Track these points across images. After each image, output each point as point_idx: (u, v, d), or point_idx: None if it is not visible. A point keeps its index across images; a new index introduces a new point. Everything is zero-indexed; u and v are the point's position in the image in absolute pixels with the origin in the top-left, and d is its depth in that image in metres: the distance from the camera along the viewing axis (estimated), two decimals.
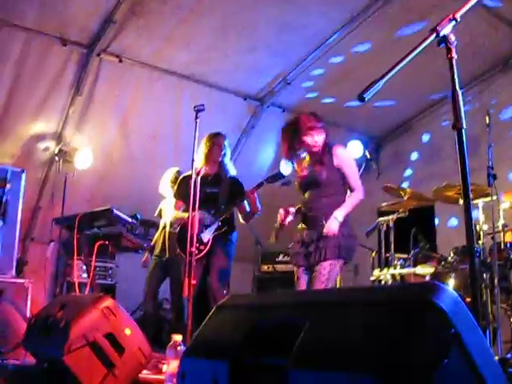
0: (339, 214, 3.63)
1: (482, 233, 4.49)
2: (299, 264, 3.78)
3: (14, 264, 5.22)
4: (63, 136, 6.37)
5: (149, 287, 5.55)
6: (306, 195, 3.85)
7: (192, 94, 6.46)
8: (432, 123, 7.32)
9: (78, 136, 6.46)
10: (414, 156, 7.65)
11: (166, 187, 5.67)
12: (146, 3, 5.27)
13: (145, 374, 3.28)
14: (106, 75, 6.06)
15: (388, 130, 7.93)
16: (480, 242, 4.43)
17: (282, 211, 3.86)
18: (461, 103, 1.85)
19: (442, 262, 4.73)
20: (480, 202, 4.62)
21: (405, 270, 4.89)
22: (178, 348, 2.92)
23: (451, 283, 4.58)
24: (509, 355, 4.11)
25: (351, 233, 3.73)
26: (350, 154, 3.93)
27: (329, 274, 3.56)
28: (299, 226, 3.87)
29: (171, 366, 2.90)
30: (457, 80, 1.88)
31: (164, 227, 5.61)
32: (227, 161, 4.77)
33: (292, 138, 3.89)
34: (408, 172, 7.60)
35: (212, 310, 1.94)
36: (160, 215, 5.77)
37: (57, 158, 6.37)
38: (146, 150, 6.85)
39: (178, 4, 5.32)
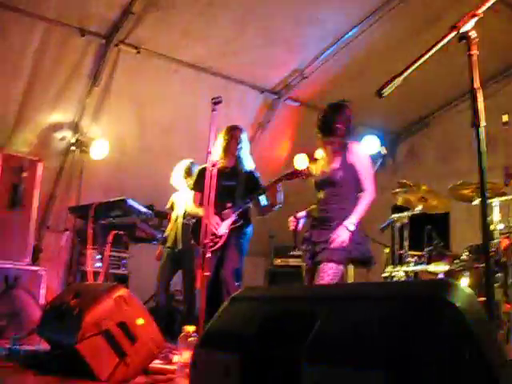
0: (350, 223, 3.56)
1: (497, 232, 4.45)
2: (307, 262, 3.80)
3: (30, 251, 5.28)
4: (80, 126, 6.42)
5: (161, 279, 5.58)
6: (321, 194, 3.83)
7: (209, 87, 6.46)
8: (449, 120, 7.27)
9: (95, 126, 6.51)
10: (430, 153, 7.60)
11: (179, 179, 5.67)
12: None
13: (156, 363, 3.30)
14: (123, 66, 6.09)
15: (404, 126, 7.88)
16: (495, 241, 4.40)
17: (292, 219, 3.90)
18: (480, 101, 1.84)
19: (456, 261, 4.70)
20: (496, 200, 4.57)
21: (418, 268, 4.87)
22: (190, 339, 2.95)
23: (465, 282, 4.55)
24: None
25: (360, 240, 3.65)
26: (365, 152, 3.89)
27: (334, 274, 3.53)
28: (311, 223, 3.87)
29: (183, 356, 2.93)
30: (476, 77, 1.86)
31: (176, 219, 5.63)
32: (244, 154, 4.75)
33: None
34: (423, 168, 7.54)
35: (225, 302, 1.95)
36: (172, 208, 5.78)
37: (73, 148, 6.42)
38: (162, 142, 6.87)
39: None
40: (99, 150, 6.38)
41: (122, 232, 4.73)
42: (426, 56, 1.85)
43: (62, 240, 6.54)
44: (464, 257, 4.69)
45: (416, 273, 4.96)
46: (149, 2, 5.33)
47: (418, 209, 4.97)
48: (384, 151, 6.18)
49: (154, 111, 6.67)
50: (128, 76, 6.24)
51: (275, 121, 7.22)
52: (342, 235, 3.53)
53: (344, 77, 6.64)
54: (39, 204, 5.67)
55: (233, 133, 4.69)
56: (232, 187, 4.61)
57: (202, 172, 4.66)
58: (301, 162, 7.16)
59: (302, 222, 3.88)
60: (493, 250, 4.26)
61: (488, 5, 1.97)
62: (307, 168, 4.19)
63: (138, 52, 5.97)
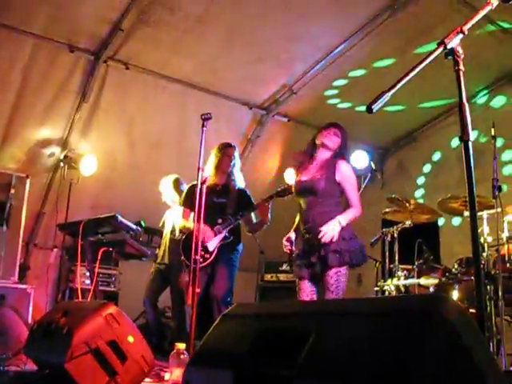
0: (343, 219, 3.62)
1: (486, 245, 4.48)
2: (302, 276, 3.77)
3: (17, 269, 5.23)
4: (69, 142, 6.39)
5: (148, 294, 5.55)
6: (303, 204, 3.84)
7: (198, 103, 6.48)
8: (437, 134, 7.33)
9: (84, 142, 6.49)
10: (419, 167, 7.65)
11: (170, 195, 5.66)
12: (154, 12, 5.29)
13: (147, 382, 3.26)
14: (112, 82, 6.09)
15: (393, 141, 7.93)
16: (484, 254, 4.42)
17: (285, 242, 3.89)
18: (468, 115, 1.86)
19: (446, 274, 4.72)
20: (484, 213, 4.60)
21: (409, 281, 4.88)
22: (181, 356, 2.92)
23: (455, 295, 4.56)
24: None
25: (352, 235, 3.69)
26: (352, 171, 3.91)
27: (337, 282, 3.54)
28: (301, 235, 3.86)
29: (174, 374, 2.90)
30: (464, 92, 1.88)
31: (165, 235, 5.63)
32: (237, 172, 4.78)
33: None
34: (412, 183, 7.59)
35: (217, 319, 1.93)
36: (164, 225, 5.77)
37: (62, 164, 6.38)
38: (151, 158, 6.86)
39: (185, 13, 5.35)
40: (88, 166, 6.35)
41: (111, 249, 4.70)
42: (415, 71, 1.87)
43: (51, 257, 6.47)
44: (454, 270, 4.71)
45: (407, 286, 4.96)
46: (138, 18, 5.35)
47: (408, 222, 4.99)
48: (373, 166, 6.20)
49: (143, 127, 6.67)
50: (117, 92, 6.24)
51: (264, 136, 7.24)
52: (332, 228, 3.55)
53: (333, 92, 6.69)
54: (27, 221, 5.64)
55: (225, 150, 4.71)
56: (223, 204, 4.61)
57: (192, 188, 4.66)
58: (291, 177, 7.18)
59: (294, 241, 3.89)
60: (482, 262, 4.28)
61: (474, 21, 2.00)
62: None
63: (127, 68, 5.98)
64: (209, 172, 4.58)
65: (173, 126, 6.76)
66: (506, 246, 4.54)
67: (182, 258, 4.62)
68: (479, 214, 4.54)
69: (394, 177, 7.90)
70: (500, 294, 4.06)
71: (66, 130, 6.31)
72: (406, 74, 1.88)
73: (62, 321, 3.01)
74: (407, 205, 5.07)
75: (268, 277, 7.00)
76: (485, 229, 4.55)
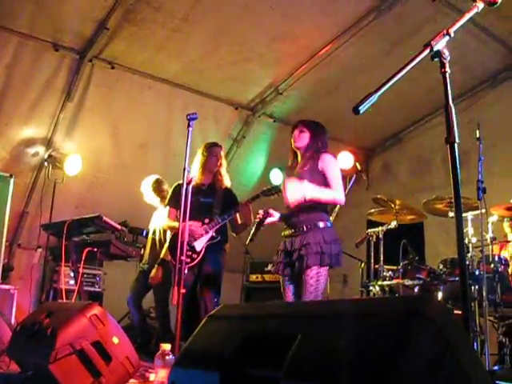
0: (312, 188, 3.61)
1: (470, 245, 4.52)
2: (281, 273, 3.78)
3: (0, 270, 5.17)
4: (53, 141, 6.33)
5: (132, 296, 5.53)
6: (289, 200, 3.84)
7: (183, 103, 6.47)
8: (421, 136, 7.38)
9: (68, 142, 6.43)
10: (404, 168, 7.70)
11: (149, 196, 5.65)
12: (140, 11, 5.27)
13: (132, 383, 3.24)
14: (97, 82, 6.05)
15: (378, 142, 7.98)
16: (469, 254, 4.46)
17: (261, 211, 3.86)
18: (454, 117, 1.87)
19: (431, 274, 4.75)
20: (469, 214, 4.64)
21: (394, 282, 4.90)
22: (167, 357, 2.90)
23: (440, 295, 4.60)
24: (496, 367, 4.12)
25: (334, 238, 3.66)
26: (336, 161, 3.89)
27: (316, 283, 3.53)
28: (282, 233, 3.86)
29: (159, 375, 2.88)
30: (450, 94, 1.89)
31: (150, 236, 5.62)
32: (223, 172, 4.76)
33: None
34: (397, 184, 7.63)
35: (203, 321, 1.93)
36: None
37: (46, 164, 6.32)
38: (136, 158, 6.83)
39: (171, 13, 5.33)
40: (72, 165, 6.29)
41: (96, 249, 4.67)
42: (402, 73, 1.88)
43: (35, 257, 6.40)
44: (439, 270, 4.75)
45: (392, 287, 4.99)
46: (124, 17, 5.32)
47: (393, 223, 5.02)
48: (358, 167, 6.23)
49: (129, 127, 6.63)
50: (102, 91, 6.19)
51: (250, 137, 7.24)
52: (297, 186, 3.62)
53: (318, 93, 6.71)
54: (10, 221, 5.58)
55: (212, 150, 4.70)
56: (209, 204, 4.59)
57: (178, 188, 4.64)
58: (276, 177, 7.19)
59: (271, 219, 3.85)
60: (467, 263, 4.32)
61: (459, 24, 2.01)
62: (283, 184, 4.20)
63: (113, 67, 5.95)
64: (195, 171, 4.57)
65: (159, 126, 6.74)
66: (490, 247, 4.59)
67: (169, 258, 4.60)
68: (464, 215, 4.58)
69: (379, 178, 7.94)
70: (484, 294, 4.09)
71: (50, 130, 6.25)
72: (393, 76, 1.88)
73: (46, 322, 2.99)
74: (392, 206, 5.10)
75: (253, 277, 7.00)
76: (469, 230, 4.60)
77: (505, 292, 4.42)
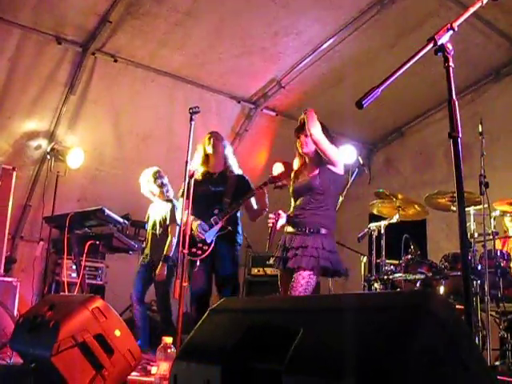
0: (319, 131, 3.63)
1: (473, 240, 4.51)
2: (279, 267, 3.78)
3: (3, 262, 5.18)
4: (56, 134, 6.33)
5: (134, 290, 5.52)
6: (298, 201, 3.83)
7: (186, 96, 6.46)
8: (424, 130, 7.37)
9: (71, 135, 6.43)
10: (406, 162, 7.68)
11: (147, 187, 5.62)
12: (142, 4, 5.26)
13: (134, 375, 3.26)
14: (100, 75, 6.05)
15: (380, 136, 7.96)
16: (471, 249, 4.45)
17: (272, 215, 3.83)
18: (457, 112, 1.86)
19: (433, 269, 4.75)
20: (471, 209, 4.64)
21: (396, 276, 4.90)
22: (169, 350, 2.91)
23: (442, 290, 4.60)
24: (497, 363, 4.13)
25: (332, 249, 3.64)
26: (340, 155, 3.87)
27: (306, 284, 3.52)
28: (285, 229, 3.86)
29: (161, 368, 2.89)
30: (453, 88, 1.89)
31: (149, 230, 5.61)
32: (232, 158, 4.70)
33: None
34: (400, 178, 7.63)
35: (205, 314, 1.93)
36: (148, 220, 5.73)
37: (48, 157, 6.33)
38: (139, 151, 6.83)
39: (174, 6, 5.32)
40: (75, 158, 6.30)
41: (98, 242, 4.68)
42: (405, 67, 1.87)
43: (37, 250, 6.42)
44: (441, 265, 4.74)
45: (394, 282, 4.99)
46: (126, 10, 5.31)
47: (395, 217, 5.01)
48: (360, 161, 6.22)
49: (131, 120, 6.63)
50: (105, 85, 6.19)
51: (252, 130, 7.24)
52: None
53: (321, 87, 6.69)
54: (13, 213, 5.58)
55: (217, 136, 4.64)
56: (220, 193, 4.51)
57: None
58: (279, 170, 7.18)
59: (281, 221, 3.83)
60: (469, 258, 4.32)
61: (463, 18, 2.00)
62: (289, 173, 4.16)
63: (115, 61, 5.94)
64: (199, 162, 4.52)
65: (161, 120, 6.74)
66: (492, 242, 4.58)
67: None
68: (466, 209, 4.58)
69: (381, 172, 7.93)
70: (486, 289, 4.09)
71: (53, 123, 6.26)
72: (396, 70, 1.88)
73: (49, 314, 3.00)
74: (394, 200, 5.09)
75: (255, 271, 7.01)
76: (472, 224, 4.59)
77: (507, 287, 4.41)
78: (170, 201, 5.54)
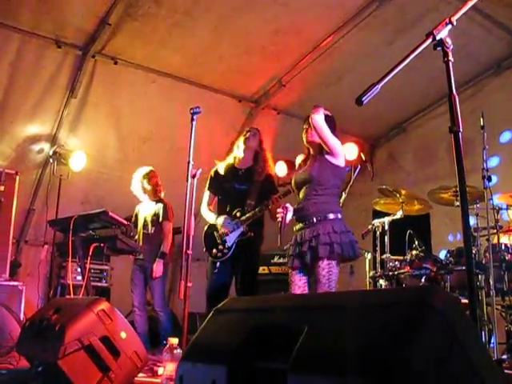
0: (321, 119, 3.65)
1: (477, 234, 4.51)
2: (293, 266, 3.75)
3: (8, 266, 5.19)
4: (58, 138, 6.35)
5: (135, 295, 5.52)
6: (301, 194, 3.83)
7: (187, 96, 6.46)
8: (426, 125, 7.35)
9: (73, 138, 6.45)
10: (409, 158, 7.67)
11: (138, 185, 5.65)
12: (141, 6, 5.26)
13: (140, 377, 3.26)
14: (100, 77, 6.05)
15: (382, 132, 7.95)
16: (475, 243, 4.45)
17: (280, 210, 3.79)
18: (457, 106, 1.86)
19: (438, 264, 4.74)
20: (474, 203, 4.63)
21: (400, 272, 4.90)
22: (175, 351, 2.92)
23: (447, 285, 4.59)
24: (504, 356, 4.12)
25: (345, 229, 3.62)
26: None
27: (328, 274, 3.51)
28: (294, 227, 3.86)
29: (167, 368, 2.90)
30: (453, 83, 1.88)
31: (140, 230, 5.61)
32: (266, 156, 4.53)
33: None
34: (402, 174, 7.61)
35: (210, 314, 1.93)
36: (136, 219, 5.72)
37: (51, 160, 6.34)
38: (141, 152, 6.83)
39: (173, 7, 5.32)
40: (77, 161, 6.31)
41: (102, 244, 4.67)
42: (404, 63, 1.87)
43: (42, 254, 6.44)
44: (445, 260, 4.74)
45: (398, 277, 4.98)
46: (125, 12, 5.31)
47: (399, 213, 5.01)
48: (363, 157, 6.22)
49: (132, 122, 6.64)
50: (105, 87, 6.20)
51: None
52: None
53: (321, 84, 6.68)
54: (17, 218, 5.60)
55: (255, 132, 4.53)
56: (244, 192, 4.38)
57: (216, 173, 4.55)
58: (281, 169, 7.18)
59: (289, 215, 3.80)
60: (473, 252, 4.32)
61: (462, 12, 2.00)
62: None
63: (115, 63, 5.95)
64: (236, 156, 4.42)
65: (162, 120, 6.74)
66: (496, 236, 4.58)
67: (204, 249, 4.48)
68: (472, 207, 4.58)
69: (384, 168, 7.92)
70: (491, 283, 4.08)
71: (54, 126, 6.27)
72: (396, 66, 1.87)
73: (54, 318, 3.00)
74: (398, 196, 5.09)
75: (260, 269, 7.00)
76: (475, 218, 4.58)
77: None
78: (161, 200, 5.63)
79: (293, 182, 3.95)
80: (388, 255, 5.02)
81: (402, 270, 4.87)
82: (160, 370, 3.39)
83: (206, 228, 4.55)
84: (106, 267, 6.78)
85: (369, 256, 5.54)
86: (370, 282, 5.28)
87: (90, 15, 5.34)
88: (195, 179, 3.87)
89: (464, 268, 4.44)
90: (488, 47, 6.14)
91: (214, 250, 4.32)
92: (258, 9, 5.47)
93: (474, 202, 4.62)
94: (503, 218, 5.04)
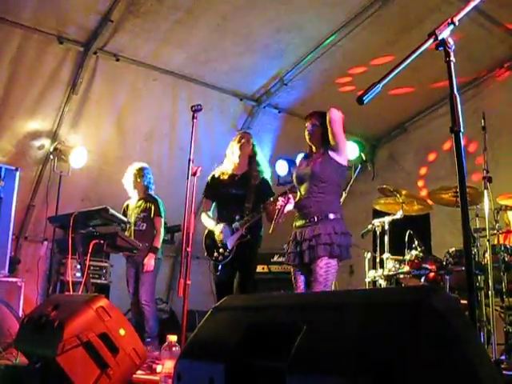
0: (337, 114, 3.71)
1: (476, 235, 4.50)
2: (292, 263, 3.78)
3: (7, 262, 5.19)
4: (58, 134, 6.34)
5: (131, 292, 5.54)
6: (302, 190, 3.84)
7: (188, 94, 6.46)
8: (427, 126, 7.34)
9: (73, 134, 6.44)
10: (410, 158, 7.66)
11: (129, 181, 5.66)
12: (143, 3, 5.25)
13: (139, 374, 3.26)
14: (102, 74, 6.04)
15: (383, 132, 7.94)
16: (474, 244, 4.44)
17: (282, 198, 3.83)
18: (459, 106, 1.85)
19: (437, 264, 4.74)
20: (475, 204, 4.62)
21: (400, 272, 4.90)
22: (173, 348, 2.91)
23: (446, 285, 4.59)
24: (503, 357, 4.12)
25: (344, 231, 3.68)
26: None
27: (326, 273, 3.54)
28: (294, 224, 3.86)
29: (166, 366, 2.89)
30: (455, 83, 1.88)
31: (130, 227, 5.62)
32: (261, 159, 4.61)
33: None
34: (403, 174, 7.60)
35: (208, 312, 1.93)
36: (125, 214, 5.72)
37: (51, 157, 6.33)
38: (142, 150, 6.83)
39: (175, 4, 5.31)
40: (78, 158, 6.30)
41: (102, 241, 4.67)
42: (406, 63, 1.87)
43: (41, 250, 6.44)
44: (445, 260, 4.73)
45: (398, 277, 4.98)
46: (127, 9, 5.30)
47: (399, 213, 5.01)
48: (363, 157, 6.21)
49: (134, 119, 6.63)
50: (107, 84, 6.19)
51: (255, 128, 7.22)
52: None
53: (323, 83, 6.67)
54: (17, 214, 5.59)
55: (247, 136, 4.63)
56: (241, 197, 4.46)
57: (213, 180, 4.61)
58: (282, 168, 7.19)
59: (289, 206, 3.83)
60: (473, 253, 4.31)
61: (464, 13, 1.99)
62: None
63: (117, 59, 5.94)
64: (226, 162, 4.53)
65: (163, 118, 6.73)
66: (496, 237, 4.57)
67: (205, 254, 4.58)
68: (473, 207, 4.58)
69: (385, 168, 7.91)
70: (490, 284, 4.08)
71: (55, 122, 6.26)
72: (397, 66, 1.87)
73: (53, 314, 3.00)
74: (398, 196, 5.08)
75: (259, 268, 7.00)
76: (475, 219, 4.58)
77: (511, 281, 4.41)
78: (152, 197, 5.68)
79: (294, 177, 3.96)
80: (388, 255, 5.02)
81: (402, 270, 4.87)
82: (159, 368, 3.39)
83: (206, 232, 4.62)
84: (105, 264, 6.78)
85: (368, 256, 5.53)
86: (369, 282, 5.28)
87: (92, 11, 5.33)
88: (195, 177, 3.87)
89: (463, 268, 4.43)
90: (490, 48, 6.12)
91: (216, 254, 4.43)
92: (260, 7, 5.46)
93: (474, 203, 4.61)
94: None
